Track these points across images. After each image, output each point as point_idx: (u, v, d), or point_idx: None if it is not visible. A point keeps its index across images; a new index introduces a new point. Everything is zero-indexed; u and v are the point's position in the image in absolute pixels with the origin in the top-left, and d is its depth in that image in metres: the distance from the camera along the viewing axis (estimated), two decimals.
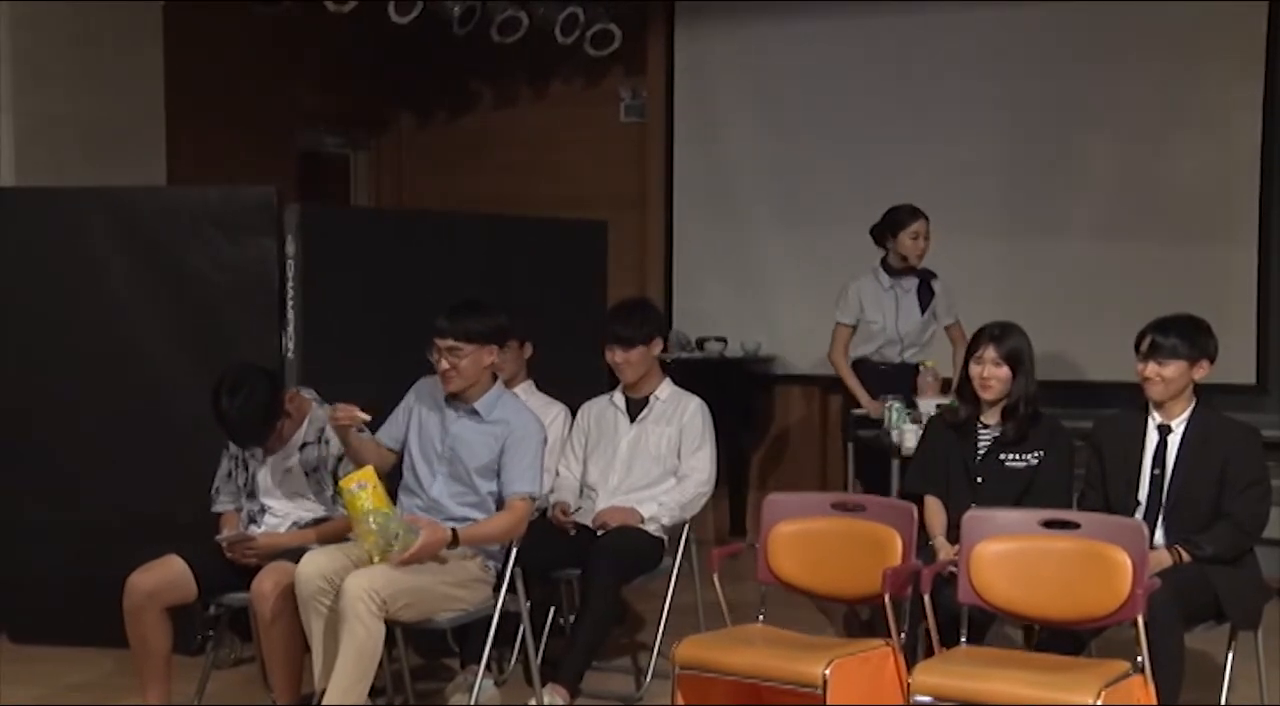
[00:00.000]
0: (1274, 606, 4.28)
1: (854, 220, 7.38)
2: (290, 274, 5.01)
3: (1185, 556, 4.04)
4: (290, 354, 4.99)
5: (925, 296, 5.94)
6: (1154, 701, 3.55)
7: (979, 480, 4.37)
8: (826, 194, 7.48)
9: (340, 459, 4.37)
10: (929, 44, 7.27)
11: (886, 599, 3.79)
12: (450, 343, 4.21)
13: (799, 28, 7.51)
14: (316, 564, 4.03)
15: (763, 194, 7.67)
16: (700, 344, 7.60)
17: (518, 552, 4.27)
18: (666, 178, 7.93)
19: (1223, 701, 4.00)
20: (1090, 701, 3.35)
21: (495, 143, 8.20)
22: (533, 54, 7.71)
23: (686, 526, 4.82)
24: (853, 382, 5.92)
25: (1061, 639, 3.98)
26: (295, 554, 4.16)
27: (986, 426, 4.41)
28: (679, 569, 4.78)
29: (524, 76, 8.20)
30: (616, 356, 4.77)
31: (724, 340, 7.58)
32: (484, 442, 4.27)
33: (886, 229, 5.95)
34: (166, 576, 4.25)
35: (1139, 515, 4.12)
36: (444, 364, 4.23)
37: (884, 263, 5.98)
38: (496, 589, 4.27)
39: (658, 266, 7.96)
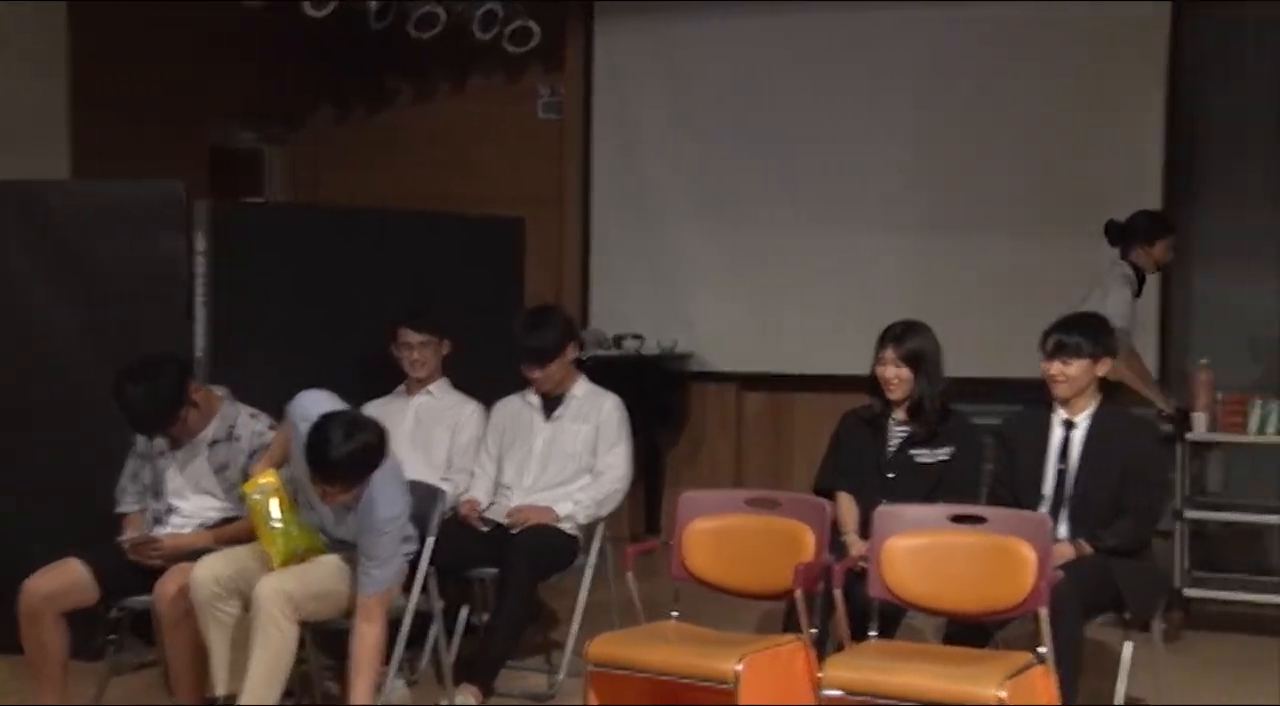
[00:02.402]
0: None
1: (771, 218, 7.49)
2: (200, 269, 4.94)
3: (1088, 549, 4.12)
4: (200, 351, 4.93)
5: None
6: (1055, 690, 3.62)
7: (890, 476, 4.42)
8: (744, 192, 7.52)
9: (254, 454, 4.32)
10: (847, 45, 7.34)
11: (799, 594, 3.82)
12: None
13: (718, 27, 7.55)
14: (211, 568, 3.98)
15: (681, 192, 7.70)
16: (617, 341, 7.61)
17: (431, 552, 4.25)
18: (584, 175, 7.93)
19: (1120, 689, 4.08)
20: (994, 692, 3.41)
21: (412, 139, 8.14)
22: (450, 50, 7.67)
23: (601, 524, 4.83)
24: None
25: (969, 631, 4.04)
26: (200, 555, 4.11)
27: (898, 423, 4.47)
28: (593, 567, 4.79)
29: (441, 73, 8.15)
30: (534, 373, 4.80)
31: (641, 338, 7.60)
32: None
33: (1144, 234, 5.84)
34: (64, 580, 4.18)
35: (1044, 509, 4.19)
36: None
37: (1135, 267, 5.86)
38: (408, 589, 4.25)
39: (575, 264, 7.97)
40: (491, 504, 4.83)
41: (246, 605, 3.94)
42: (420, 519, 4.27)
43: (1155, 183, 6.76)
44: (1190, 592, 5.52)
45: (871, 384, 4.52)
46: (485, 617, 4.87)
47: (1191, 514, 5.48)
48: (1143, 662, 4.16)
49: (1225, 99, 6.79)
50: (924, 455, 4.41)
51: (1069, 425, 4.28)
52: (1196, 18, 6.76)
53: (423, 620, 4.41)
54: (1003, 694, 3.40)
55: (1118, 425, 4.26)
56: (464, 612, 4.92)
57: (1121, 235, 5.83)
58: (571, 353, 4.86)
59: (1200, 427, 5.39)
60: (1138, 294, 5.77)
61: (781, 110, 7.45)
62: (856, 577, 3.98)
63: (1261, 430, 5.35)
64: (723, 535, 4.11)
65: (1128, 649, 4.09)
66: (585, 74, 7.90)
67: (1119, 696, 4.06)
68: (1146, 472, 4.19)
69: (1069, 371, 4.21)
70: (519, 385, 4.98)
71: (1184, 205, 6.84)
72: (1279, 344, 6.53)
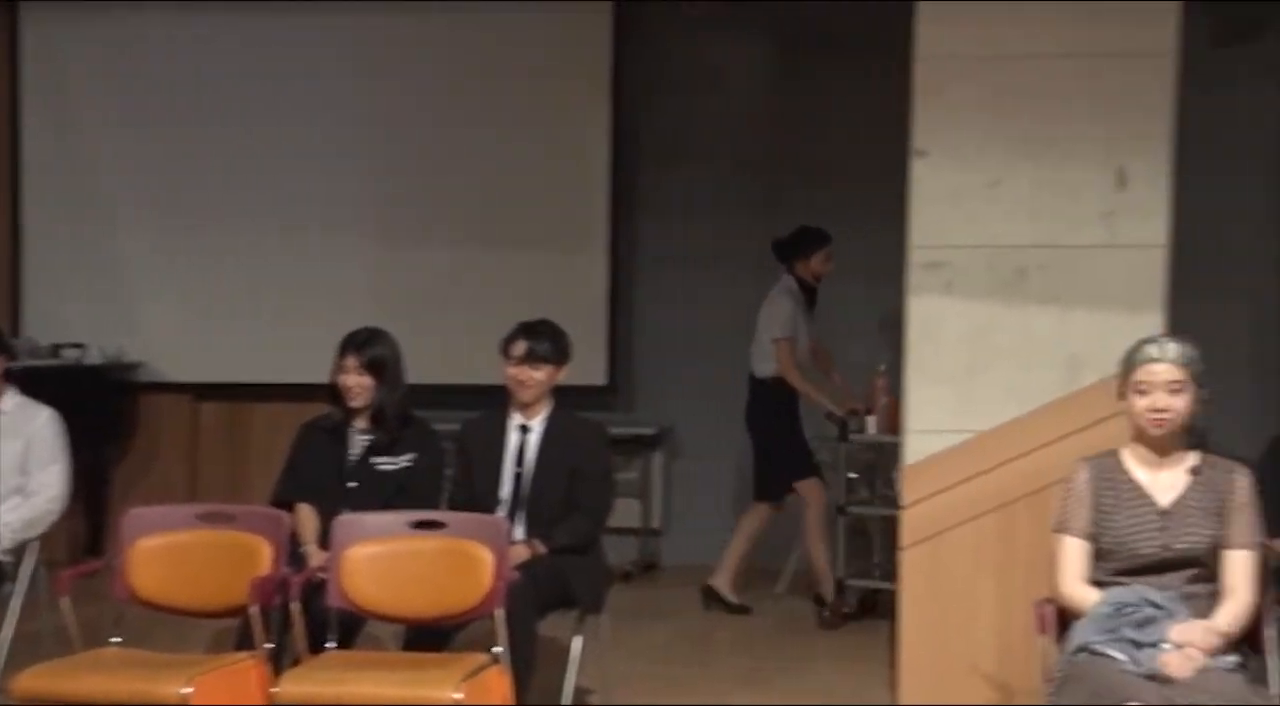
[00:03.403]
0: (616, 591, 4.64)
1: (227, 223, 7.23)
2: None
3: (541, 548, 4.26)
4: None
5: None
6: (509, 689, 3.71)
7: (351, 485, 4.38)
8: (199, 196, 7.24)
9: None
10: (300, 45, 7.22)
11: (254, 609, 3.70)
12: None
13: (164, 20, 7.21)
14: None
15: (125, 191, 7.29)
16: (55, 350, 7.09)
17: None
18: (12, 172, 7.32)
19: (569, 680, 4.24)
20: (449, 694, 3.45)
21: None
22: None
23: (34, 547, 4.47)
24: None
25: (428, 636, 4.07)
26: None
27: (360, 431, 4.43)
28: (23, 594, 4.42)
29: None
30: None
31: (82, 346, 7.11)
32: None
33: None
34: None
35: (502, 512, 4.30)
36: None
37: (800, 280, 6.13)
38: None
39: (4, 267, 7.33)
40: None
41: None
42: None
43: (602, 192, 7.08)
44: (853, 583, 6.03)
45: (332, 392, 4.46)
46: None
47: (854, 509, 6.03)
48: (592, 654, 4.35)
49: (667, 110, 7.20)
50: (385, 463, 4.40)
51: (524, 429, 4.42)
52: (639, 30, 7.13)
53: None
54: (458, 695, 3.45)
55: (568, 428, 4.43)
56: None
57: (782, 250, 6.18)
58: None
59: (872, 429, 5.84)
60: (811, 304, 6.15)
61: (235, 113, 7.22)
62: (316, 589, 3.91)
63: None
64: (173, 552, 3.94)
65: (577, 643, 4.25)
66: (10, 64, 7.29)
67: (567, 689, 4.22)
68: (594, 473, 4.39)
69: (536, 376, 4.35)
70: None
71: (627, 215, 7.22)
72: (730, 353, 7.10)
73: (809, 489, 6.09)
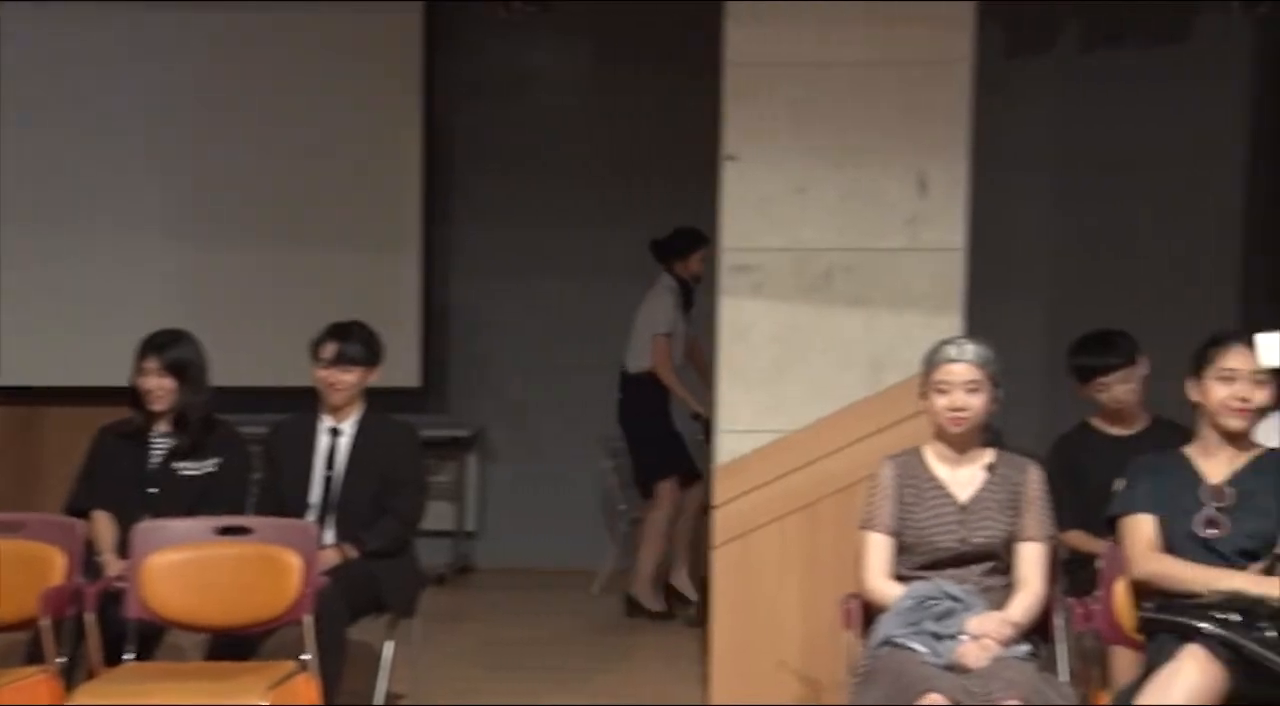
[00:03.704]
0: (430, 594, 4.61)
1: (25, 219, 6.93)
2: None
3: (352, 552, 4.21)
4: None
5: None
6: (317, 695, 3.66)
7: (152, 491, 4.26)
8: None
9: None
10: (104, 43, 6.96)
11: (44, 622, 3.57)
12: None
13: None
14: None
15: None
16: None
17: None
18: None
19: (381, 685, 4.21)
20: (256, 702, 3.39)
21: None
22: None
23: None
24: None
25: (234, 645, 3.98)
26: None
27: (161, 436, 4.31)
28: None
29: None
30: None
31: None
32: None
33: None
34: None
35: (311, 516, 4.25)
36: None
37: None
38: None
39: None
40: None
41: None
42: None
43: (415, 194, 7.01)
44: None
45: (132, 396, 4.33)
46: None
47: None
48: (404, 658, 4.31)
49: (482, 112, 7.16)
50: (189, 468, 4.30)
51: (335, 432, 4.36)
52: (452, 32, 7.08)
53: None
54: (264, 703, 3.40)
55: (380, 431, 4.39)
56: None
57: (660, 250, 6.19)
58: None
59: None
60: (688, 304, 6.16)
61: (32, 110, 6.92)
62: (113, 599, 3.79)
63: None
64: None
65: (388, 648, 4.22)
66: None
67: (379, 694, 4.18)
68: (406, 476, 4.36)
69: (347, 378, 4.31)
70: None
71: (442, 217, 7.17)
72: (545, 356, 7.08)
73: (665, 490, 6.11)
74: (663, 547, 6.14)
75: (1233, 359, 3.45)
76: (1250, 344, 3.42)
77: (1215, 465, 3.49)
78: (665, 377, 6.11)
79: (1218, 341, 3.50)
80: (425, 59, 6.99)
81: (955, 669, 3.31)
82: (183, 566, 3.77)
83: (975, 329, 4.26)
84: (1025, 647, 3.45)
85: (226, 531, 3.86)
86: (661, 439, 6.16)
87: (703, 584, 5.97)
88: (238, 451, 4.38)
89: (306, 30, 6.92)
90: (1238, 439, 3.48)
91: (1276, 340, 3.22)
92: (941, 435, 3.66)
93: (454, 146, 7.18)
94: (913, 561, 3.60)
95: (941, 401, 3.62)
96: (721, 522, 4.52)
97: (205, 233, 6.99)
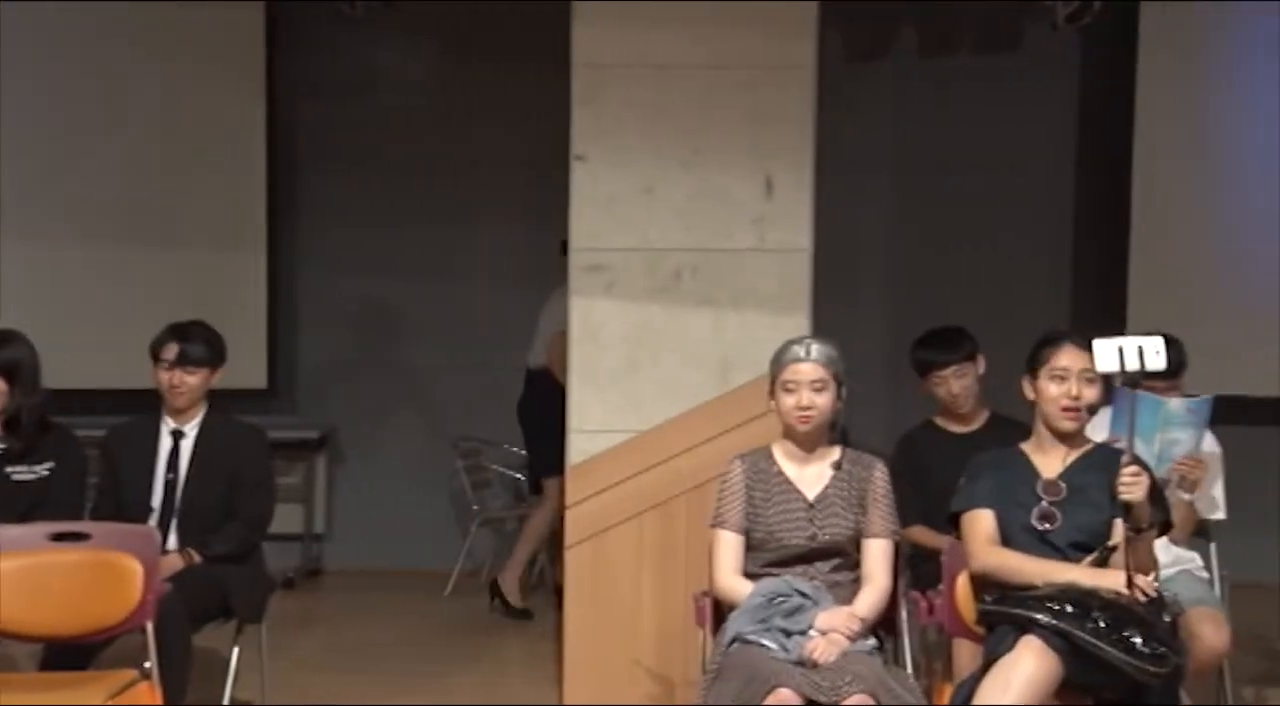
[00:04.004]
0: (279, 598, 4.54)
1: None
2: None
3: (197, 557, 4.12)
4: None
5: None
6: (160, 703, 3.58)
7: None
8: None
9: None
10: None
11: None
12: None
13: None
14: None
15: None
16: None
17: None
18: None
19: (227, 692, 4.14)
20: None
21: None
22: None
23: None
24: None
25: (69, 654, 3.87)
26: None
27: None
28: None
29: None
30: None
31: None
32: None
33: None
34: None
35: (153, 521, 4.16)
36: None
37: None
38: None
39: None
40: None
41: None
42: None
43: (259, 193, 6.89)
44: None
45: None
46: None
47: None
48: (250, 664, 4.24)
49: (327, 111, 7.07)
50: (21, 472, 4.17)
51: (178, 435, 4.28)
52: (295, 30, 6.97)
53: None
54: None
55: (225, 433, 4.32)
56: None
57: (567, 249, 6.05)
58: None
59: None
60: None
61: None
62: None
63: None
64: None
65: (235, 653, 4.15)
66: None
67: (226, 699, 4.11)
68: (253, 478, 4.29)
69: (190, 380, 4.23)
70: None
71: (288, 216, 7.06)
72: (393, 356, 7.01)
73: (552, 487, 6.06)
74: (540, 545, 6.12)
75: (1064, 357, 3.57)
76: (1080, 343, 3.55)
77: (1049, 461, 3.61)
78: (560, 375, 6.10)
79: (1050, 340, 3.62)
80: (268, 57, 6.90)
81: (804, 664, 3.38)
82: (14, 574, 3.64)
83: (821, 329, 4.35)
84: (871, 642, 3.53)
85: (62, 537, 3.75)
86: (555, 435, 6.14)
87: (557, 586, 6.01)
88: (73, 455, 4.26)
89: (149, 28, 6.76)
90: (1071, 435, 3.61)
91: (1113, 346, 3.34)
92: (789, 434, 3.72)
93: (299, 145, 7.08)
94: (762, 558, 3.66)
95: (789, 400, 3.68)
96: (574, 523, 4.54)
97: (41, 230, 6.76)
